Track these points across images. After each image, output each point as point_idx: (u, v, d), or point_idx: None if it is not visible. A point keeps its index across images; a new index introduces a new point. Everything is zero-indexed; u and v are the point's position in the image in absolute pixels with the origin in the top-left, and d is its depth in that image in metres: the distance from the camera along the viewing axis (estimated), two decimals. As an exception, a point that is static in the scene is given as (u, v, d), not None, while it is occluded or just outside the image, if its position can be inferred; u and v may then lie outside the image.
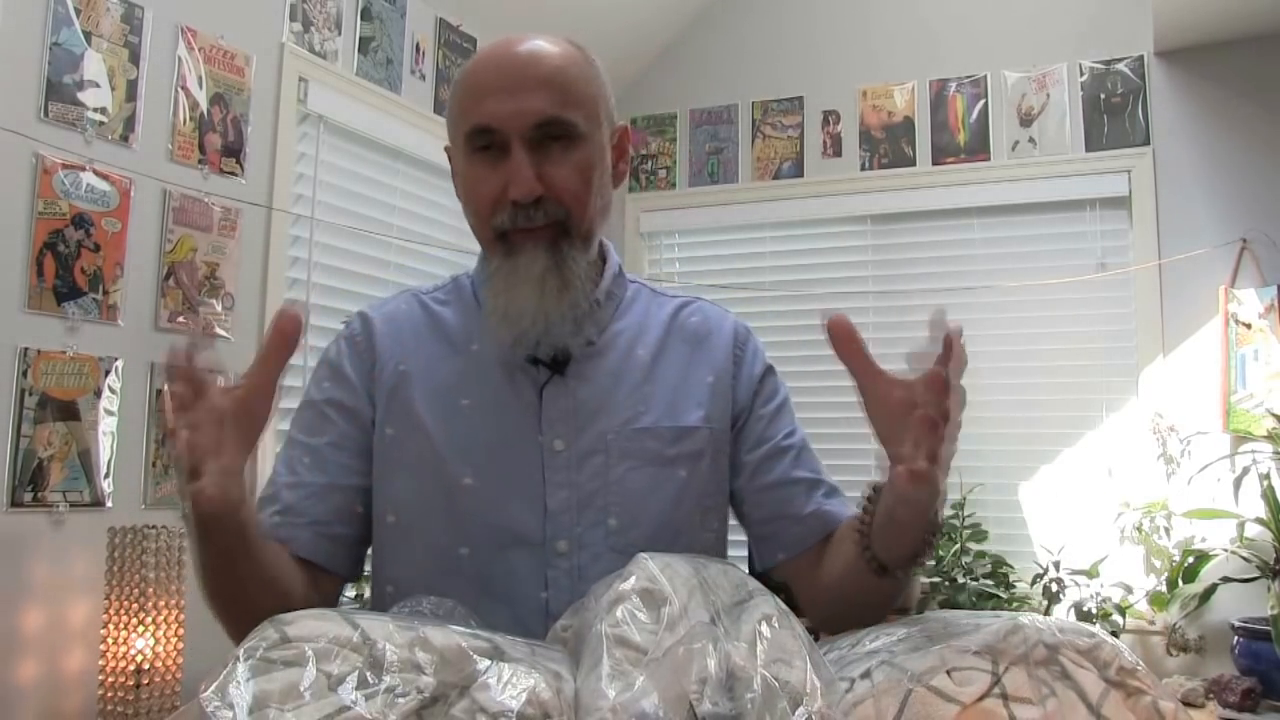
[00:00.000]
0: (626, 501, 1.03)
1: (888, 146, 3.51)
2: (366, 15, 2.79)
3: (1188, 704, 2.57)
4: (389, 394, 1.07)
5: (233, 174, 2.37)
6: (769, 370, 1.14)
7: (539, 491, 1.02)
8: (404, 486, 1.04)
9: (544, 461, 1.03)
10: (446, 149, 1.10)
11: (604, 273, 1.11)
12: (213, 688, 0.63)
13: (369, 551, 1.10)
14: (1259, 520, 2.72)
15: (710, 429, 1.08)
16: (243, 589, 0.92)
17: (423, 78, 3.00)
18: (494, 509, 1.02)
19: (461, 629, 0.73)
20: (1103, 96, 3.26)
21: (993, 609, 2.05)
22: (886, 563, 0.93)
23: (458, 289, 1.14)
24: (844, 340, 0.87)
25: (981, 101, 3.40)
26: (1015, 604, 3.00)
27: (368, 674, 0.65)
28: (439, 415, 1.05)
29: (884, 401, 0.86)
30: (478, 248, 1.10)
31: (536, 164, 0.99)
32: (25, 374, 1.91)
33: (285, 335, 0.86)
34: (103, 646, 1.84)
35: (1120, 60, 3.24)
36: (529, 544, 1.00)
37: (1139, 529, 2.98)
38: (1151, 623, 2.96)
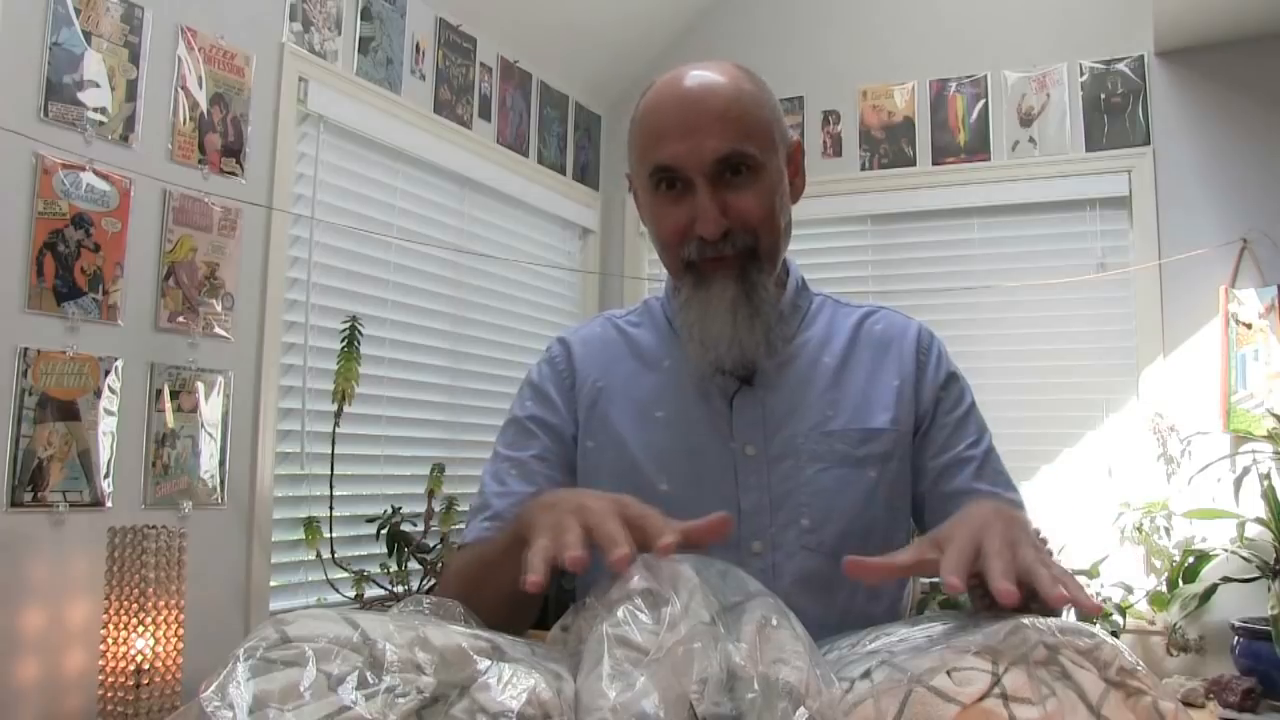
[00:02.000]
0: (818, 502, 1.06)
1: (888, 146, 3.51)
2: (366, 15, 2.79)
3: (1188, 704, 2.57)
4: (588, 409, 1.14)
5: (233, 174, 2.36)
6: (952, 376, 1.17)
7: (733, 494, 1.07)
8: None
9: (736, 466, 1.08)
10: (628, 176, 1.15)
11: (786, 286, 1.17)
12: (213, 688, 0.63)
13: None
14: (1259, 520, 2.73)
15: (897, 431, 1.11)
16: (500, 598, 0.92)
17: (423, 78, 3.00)
18: (689, 512, 1.04)
19: (461, 629, 0.73)
20: (1103, 96, 3.26)
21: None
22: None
23: (649, 311, 1.22)
24: (874, 572, 0.83)
25: (981, 101, 3.40)
26: (1015, 604, 2.99)
27: (368, 674, 0.65)
28: (635, 426, 1.11)
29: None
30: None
31: (720, 198, 1.04)
32: (25, 374, 1.91)
33: (708, 534, 0.82)
34: (103, 646, 1.84)
35: (1120, 60, 3.24)
36: (725, 545, 1.02)
37: (1139, 529, 2.98)
38: (1151, 623, 2.96)
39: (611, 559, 0.75)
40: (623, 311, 1.24)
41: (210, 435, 2.28)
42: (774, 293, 1.10)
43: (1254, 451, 2.83)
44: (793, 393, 1.11)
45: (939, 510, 1.11)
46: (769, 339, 1.08)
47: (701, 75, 1.08)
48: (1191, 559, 2.85)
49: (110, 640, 1.83)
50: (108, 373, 2.06)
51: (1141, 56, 3.22)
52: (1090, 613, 0.75)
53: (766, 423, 1.09)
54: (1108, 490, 3.08)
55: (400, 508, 2.64)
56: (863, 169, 3.52)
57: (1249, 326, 2.97)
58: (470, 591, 0.96)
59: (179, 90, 2.24)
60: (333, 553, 2.48)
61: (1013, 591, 0.73)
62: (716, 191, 1.04)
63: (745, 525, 1.05)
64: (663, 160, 1.05)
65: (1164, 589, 2.91)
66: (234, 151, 2.37)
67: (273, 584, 2.45)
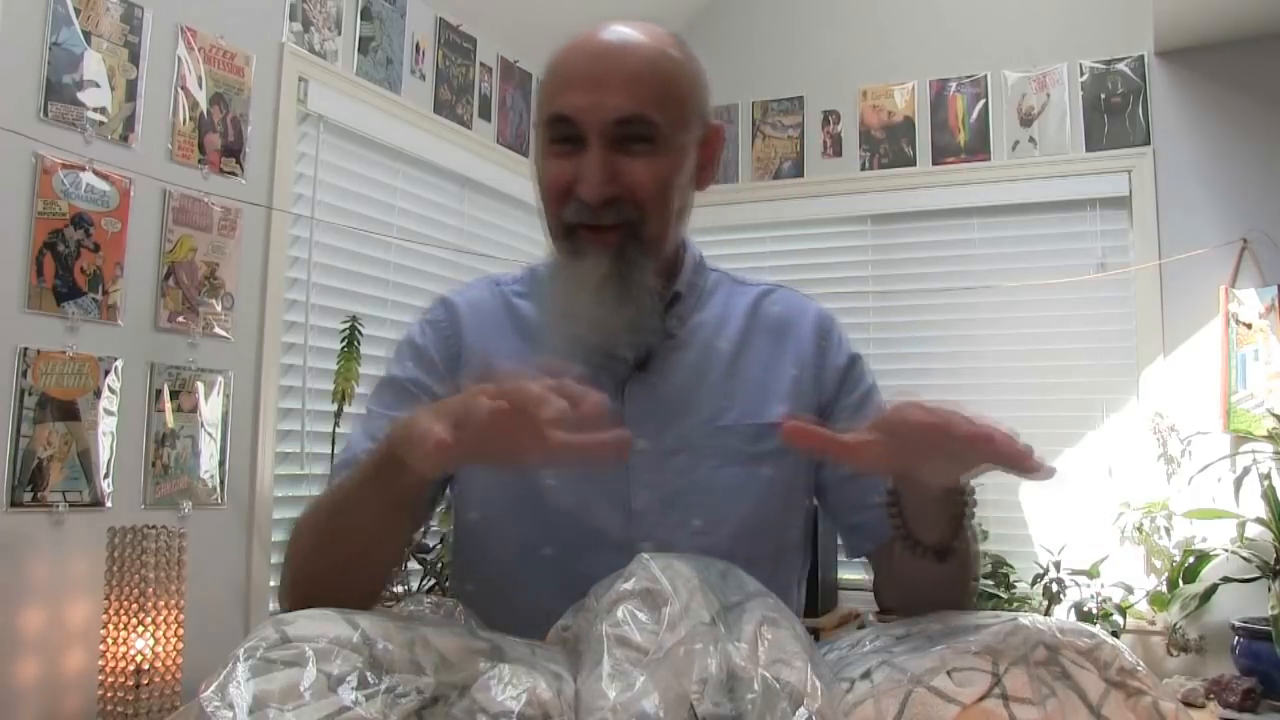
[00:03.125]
0: (710, 501, 1.01)
1: (888, 146, 3.51)
2: (366, 15, 2.79)
3: (1188, 704, 2.57)
4: (474, 384, 1.08)
5: (233, 174, 2.36)
6: (853, 360, 1.11)
7: (623, 492, 1.01)
8: (486, 484, 1.02)
9: (628, 462, 1.00)
10: (535, 127, 1.07)
11: (684, 264, 1.09)
12: (213, 688, 0.63)
13: (425, 538, 1.07)
14: (1259, 520, 2.72)
15: None
16: (365, 534, 0.90)
17: (423, 78, 3.00)
18: (577, 509, 1.00)
19: (461, 629, 0.73)
20: (1103, 96, 3.25)
21: (993, 609, 2.05)
22: (935, 545, 0.90)
23: (534, 281, 1.12)
24: (812, 439, 0.83)
25: (981, 101, 3.40)
26: (1015, 604, 2.99)
27: (368, 674, 0.65)
28: None
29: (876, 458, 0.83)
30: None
31: (612, 162, 0.96)
32: (25, 374, 1.91)
33: (601, 447, 0.78)
34: (102, 646, 1.84)
35: (1120, 60, 3.24)
36: (613, 545, 0.98)
37: (1139, 529, 2.98)
38: (1152, 623, 2.96)
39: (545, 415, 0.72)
40: (510, 278, 1.15)
41: (210, 435, 2.28)
42: (654, 280, 1.01)
43: (1254, 451, 2.83)
44: (686, 382, 1.04)
45: (844, 495, 1.07)
46: (636, 326, 1.00)
47: (624, 31, 1.01)
48: (1191, 559, 2.85)
49: (110, 640, 1.83)
50: (108, 373, 2.06)
51: (1141, 56, 3.21)
52: (1033, 472, 0.75)
53: (659, 415, 1.02)
54: (1108, 490, 3.08)
55: (400, 508, 2.64)
56: (863, 169, 3.52)
57: (1249, 326, 2.97)
58: (327, 539, 0.90)
59: (179, 90, 2.24)
60: (333, 553, 2.47)
61: (982, 429, 0.75)
62: (610, 155, 0.96)
63: (635, 525, 1.00)
64: (561, 110, 0.97)
65: (1164, 589, 2.90)
66: (234, 151, 2.37)
67: (273, 584, 2.45)
